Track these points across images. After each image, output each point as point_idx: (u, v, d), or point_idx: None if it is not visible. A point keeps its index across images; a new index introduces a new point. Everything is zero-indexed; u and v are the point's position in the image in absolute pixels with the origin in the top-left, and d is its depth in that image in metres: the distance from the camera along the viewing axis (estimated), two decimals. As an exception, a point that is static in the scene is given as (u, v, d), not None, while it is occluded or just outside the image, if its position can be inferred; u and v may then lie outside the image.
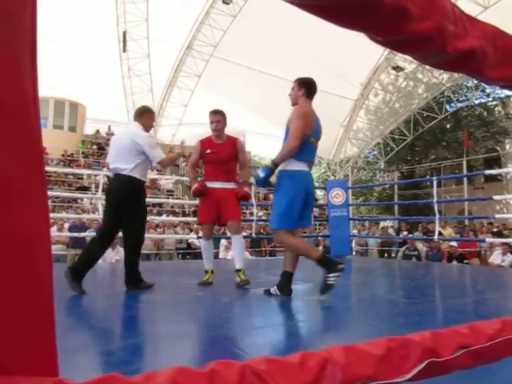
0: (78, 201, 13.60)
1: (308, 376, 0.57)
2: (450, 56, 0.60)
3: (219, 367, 0.52)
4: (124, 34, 16.66)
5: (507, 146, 20.84)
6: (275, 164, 3.12)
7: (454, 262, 7.69)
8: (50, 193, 11.36)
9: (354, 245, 10.15)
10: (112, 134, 19.87)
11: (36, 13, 0.52)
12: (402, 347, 0.67)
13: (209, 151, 3.89)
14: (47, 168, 12.81)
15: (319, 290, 3.03)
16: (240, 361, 0.56)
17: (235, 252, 3.99)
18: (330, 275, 2.96)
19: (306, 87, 3.22)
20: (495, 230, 10.93)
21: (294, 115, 3.10)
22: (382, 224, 13.55)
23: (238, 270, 3.83)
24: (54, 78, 16.64)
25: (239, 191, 3.89)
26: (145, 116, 3.65)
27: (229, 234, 3.94)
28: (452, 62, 0.64)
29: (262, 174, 3.15)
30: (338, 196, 7.17)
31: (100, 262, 6.39)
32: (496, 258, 8.17)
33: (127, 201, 3.44)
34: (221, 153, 3.87)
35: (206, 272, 3.95)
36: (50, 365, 0.54)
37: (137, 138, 3.46)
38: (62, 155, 16.93)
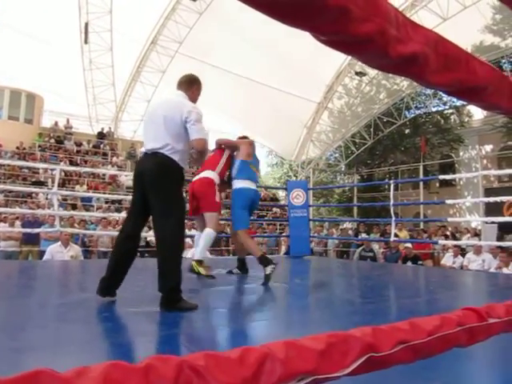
0: (33, 196, 13.12)
1: (247, 371, 0.57)
2: (393, 59, 0.62)
3: (155, 362, 0.51)
4: (86, 25, 16.13)
5: (461, 153, 21.75)
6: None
7: (409, 263, 7.93)
8: (2, 186, 10.86)
9: (313, 245, 10.29)
10: (70, 128, 19.26)
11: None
12: (342, 342, 0.68)
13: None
14: (0, 161, 12.27)
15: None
16: (179, 356, 0.55)
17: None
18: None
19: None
20: (448, 233, 11.35)
21: None
22: (342, 225, 13.78)
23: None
24: (10, 67, 15.94)
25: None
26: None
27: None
28: (395, 65, 0.66)
29: None
30: (298, 197, 7.25)
31: (49, 257, 6.20)
32: (448, 259, 8.49)
33: None
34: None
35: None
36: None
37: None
38: (17, 148, 16.27)
